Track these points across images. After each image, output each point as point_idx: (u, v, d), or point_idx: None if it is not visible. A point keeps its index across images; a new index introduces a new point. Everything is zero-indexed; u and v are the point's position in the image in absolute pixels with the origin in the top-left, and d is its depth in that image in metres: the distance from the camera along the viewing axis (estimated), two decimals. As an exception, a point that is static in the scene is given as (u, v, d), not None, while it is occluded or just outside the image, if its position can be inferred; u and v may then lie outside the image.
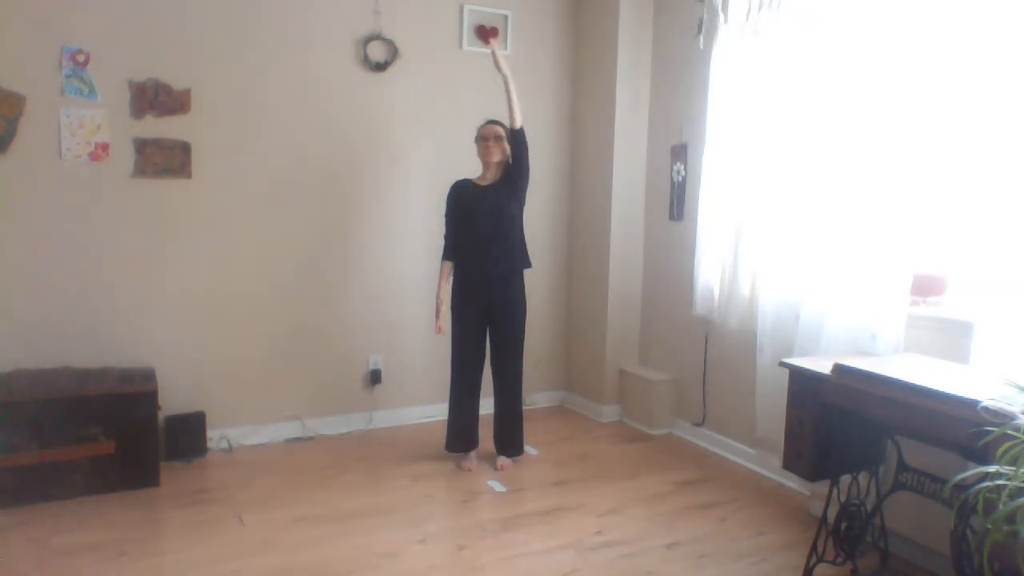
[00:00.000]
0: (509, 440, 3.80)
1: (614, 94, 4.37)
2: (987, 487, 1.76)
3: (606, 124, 4.45)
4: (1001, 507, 1.67)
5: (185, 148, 3.73)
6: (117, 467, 3.35)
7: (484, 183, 3.69)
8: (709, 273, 3.85)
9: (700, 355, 4.13)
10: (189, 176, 3.76)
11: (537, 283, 4.52)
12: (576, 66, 4.74)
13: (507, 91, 3.58)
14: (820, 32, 3.19)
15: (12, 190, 3.42)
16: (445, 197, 3.79)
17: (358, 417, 4.30)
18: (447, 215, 3.75)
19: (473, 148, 3.75)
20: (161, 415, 3.55)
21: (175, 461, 3.70)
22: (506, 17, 4.45)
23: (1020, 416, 1.91)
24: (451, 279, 3.75)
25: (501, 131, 3.64)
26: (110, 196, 3.61)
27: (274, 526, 3.08)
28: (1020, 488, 1.70)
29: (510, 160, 3.66)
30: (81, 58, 3.49)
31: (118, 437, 3.35)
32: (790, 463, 2.70)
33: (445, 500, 3.46)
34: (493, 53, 3.67)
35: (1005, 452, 1.78)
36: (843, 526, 2.68)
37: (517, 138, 3.60)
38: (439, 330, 3.73)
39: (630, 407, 4.55)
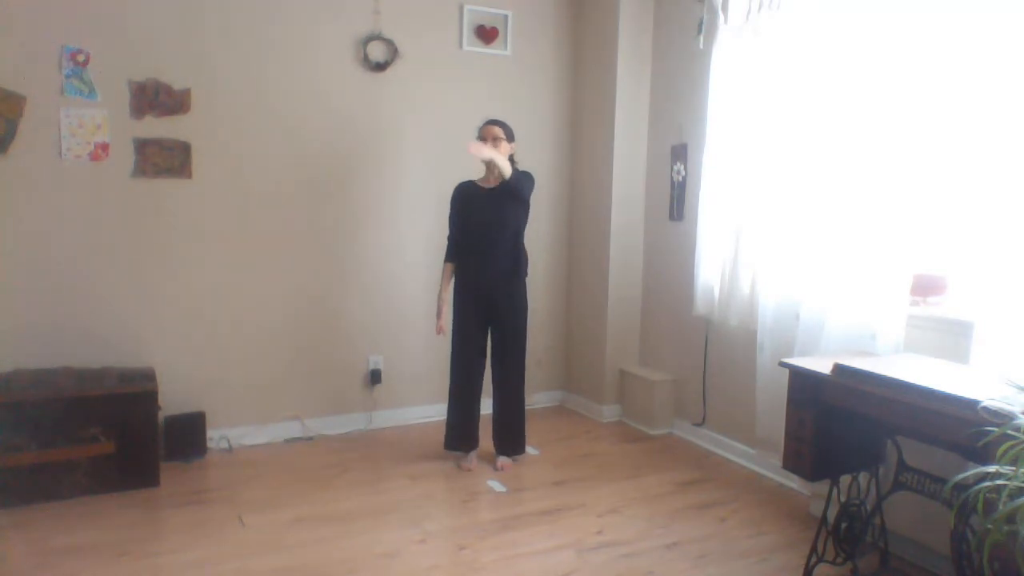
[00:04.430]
0: (510, 440, 3.80)
1: (614, 94, 4.37)
2: (987, 487, 1.76)
3: (606, 124, 4.45)
4: (1001, 507, 1.67)
5: (185, 148, 3.73)
6: (117, 467, 3.35)
7: (488, 185, 3.68)
8: (709, 273, 3.85)
9: (700, 355, 4.13)
10: (189, 176, 3.76)
11: (537, 283, 4.52)
12: (576, 66, 4.74)
13: (499, 169, 3.48)
14: (820, 32, 3.19)
15: (12, 190, 3.42)
16: (444, 196, 3.80)
17: (358, 417, 4.30)
18: (450, 217, 3.75)
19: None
20: (161, 415, 3.55)
21: (175, 461, 3.70)
22: (506, 17, 4.45)
23: (1020, 416, 1.91)
24: (453, 280, 3.75)
25: (500, 132, 3.63)
26: (110, 196, 3.61)
27: (274, 526, 3.08)
28: (1020, 488, 1.70)
29: (510, 154, 3.63)
30: (81, 58, 3.49)
31: (118, 437, 3.35)
32: (790, 463, 2.70)
33: (445, 500, 3.46)
34: (477, 151, 3.46)
35: (1005, 452, 1.79)
36: (843, 526, 2.68)
37: (509, 184, 3.53)
38: (440, 331, 3.74)
39: (630, 407, 4.55)
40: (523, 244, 3.71)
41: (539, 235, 4.59)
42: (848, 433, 2.60)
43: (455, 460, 3.81)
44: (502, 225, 3.61)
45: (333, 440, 4.14)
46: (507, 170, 3.49)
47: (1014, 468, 1.75)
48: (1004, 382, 2.10)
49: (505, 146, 3.63)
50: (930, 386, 2.22)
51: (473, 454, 3.80)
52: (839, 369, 2.49)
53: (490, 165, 3.63)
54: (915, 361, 2.63)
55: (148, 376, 3.54)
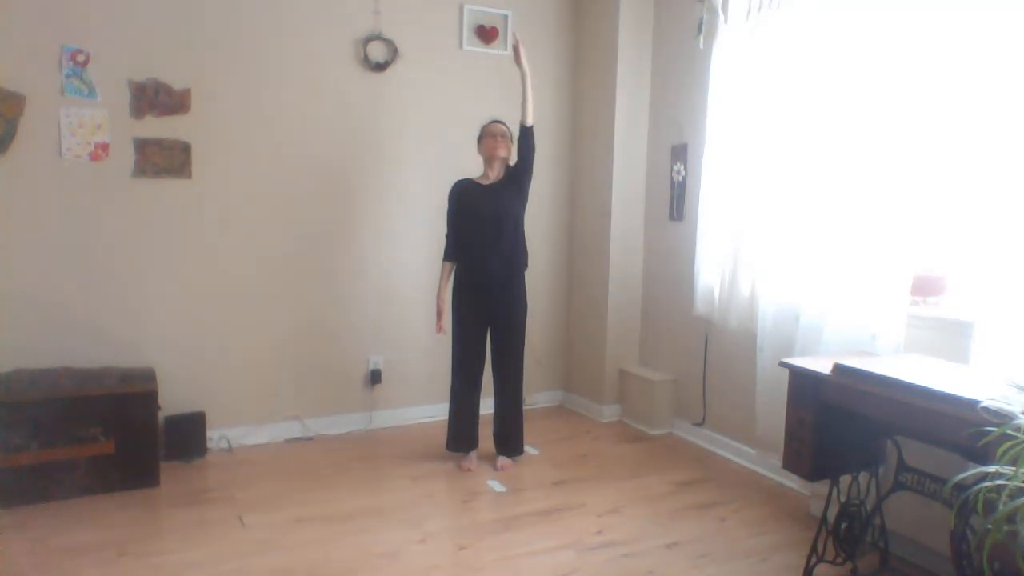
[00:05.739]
0: (509, 440, 3.80)
1: (614, 94, 4.37)
2: (987, 487, 1.76)
3: (606, 124, 4.45)
4: (1001, 507, 1.67)
5: (185, 148, 3.73)
6: (117, 467, 3.35)
7: (486, 182, 3.69)
8: (709, 273, 3.85)
9: (700, 355, 4.13)
10: (189, 176, 3.76)
11: (537, 283, 4.52)
12: (576, 66, 4.74)
13: (524, 86, 3.58)
14: (820, 32, 3.19)
15: (12, 190, 3.42)
16: (445, 197, 3.79)
17: (358, 417, 4.30)
18: (449, 215, 3.75)
19: (473, 147, 3.76)
20: (161, 415, 3.55)
21: (175, 461, 3.70)
22: (506, 17, 4.45)
23: (1020, 416, 1.91)
24: (452, 279, 3.76)
25: (506, 130, 3.66)
26: (110, 196, 3.61)
27: (274, 526, 3.08)
28: (1020, 488, 1.70)
29: (512, 160, 3.67)
30: (81, 58, 3.49)
31: (118, 437, 3.35)
32: (790, 463, 2.70)
33: (445, 500, 3.46)
34: (515, 48, 3.58)
35: (1005, 452, 1.78)
36: (843, 526, 2.68)
37: (527, 135, 3.61)
38: (440, 330, 3.74)
39: (630, 407, 4.55)
40: (523, 235, 3.72)
41: (539, 235, 4.59)
42: (848, 433, 2.60)
43: (455, 460, 3.81)
44: (503, 219, 3.61)
45: (333, 440, 4.14)
46: (529, 99, 3.58)
47: (1014, 468, 1.75)
48: (1004, 382, 2.10)
49: (509, 144, 3.66)
50: (930, 386, 2.22)
51: (473, 454, 3.80)
52: (839, 369, 2.49)
53: (491, 161, 3.65)
54: (915, 361, 2.63)
55: (148, 376, 3.54)
